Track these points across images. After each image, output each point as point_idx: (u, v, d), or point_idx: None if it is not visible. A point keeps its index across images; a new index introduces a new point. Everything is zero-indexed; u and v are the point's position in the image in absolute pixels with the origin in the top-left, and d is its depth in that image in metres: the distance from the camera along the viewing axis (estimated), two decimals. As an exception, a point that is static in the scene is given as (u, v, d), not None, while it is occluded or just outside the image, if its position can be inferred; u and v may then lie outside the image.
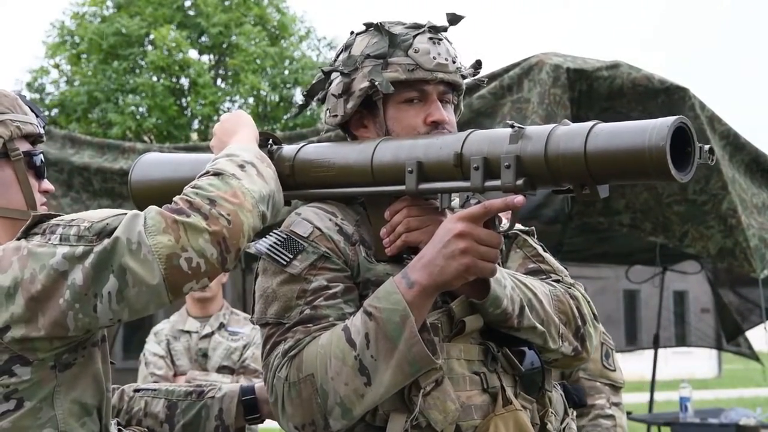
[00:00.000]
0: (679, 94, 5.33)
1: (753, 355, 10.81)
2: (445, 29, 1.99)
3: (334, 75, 2.00)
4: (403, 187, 1.86)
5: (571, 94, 5.14)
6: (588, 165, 1.66)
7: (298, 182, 2.01)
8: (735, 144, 5.78)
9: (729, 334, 10.49)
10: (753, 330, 10.09)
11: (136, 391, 2.24)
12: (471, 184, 1.77)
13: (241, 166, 1.81)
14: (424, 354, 1.74)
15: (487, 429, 1.84)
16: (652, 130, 1.61)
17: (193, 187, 1.76)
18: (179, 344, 4.67)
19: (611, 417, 3.31)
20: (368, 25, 2.01)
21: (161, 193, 2.10)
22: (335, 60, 2.03)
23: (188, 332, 4.69)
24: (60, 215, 1.82)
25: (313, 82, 2.04)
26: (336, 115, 2.00)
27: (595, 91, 5.27)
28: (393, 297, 1.76)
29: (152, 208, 1.73)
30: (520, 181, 1.72)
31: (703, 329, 13.00)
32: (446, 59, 1.96)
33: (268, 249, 1.90)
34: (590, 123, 1.70)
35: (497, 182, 1.74)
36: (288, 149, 2.05)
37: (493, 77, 5.18)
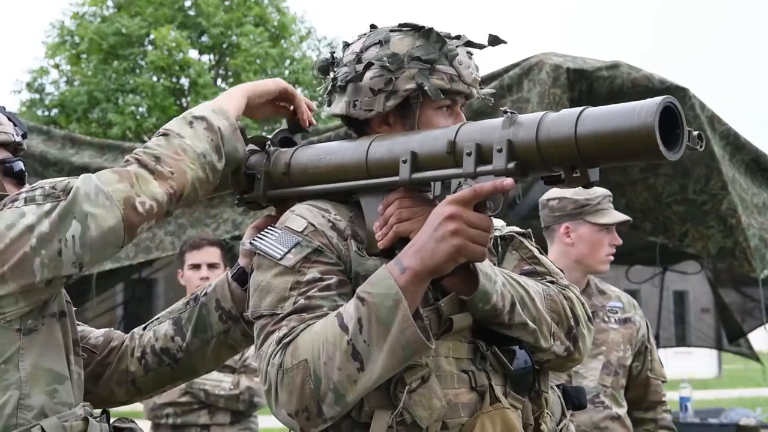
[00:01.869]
0: (679, 94, 5.33)
1: (753, 355, 10.81)
2: (482, 47, 2.01)
3: (373, 68, 1.98)
4: (397, 178, 1.87)
5: (571, 94, 5.15)
6: (579, 148, 1.68)
7: (293, 181, 2.03)
8: (735, 144, 5.78)
9: (731, 335, 10.49)
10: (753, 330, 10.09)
11: (144, 328, 2.30)
12: (463, 170, 1.79)
13: (190, 123, 2.01)
14: (418, 337, 1.73)
15: (473, 427, 1.84)
16: (640, 109, 1.64)
17: (143, 147, 1.99)
18: (179, 344, 4.65)
19: (669, 411, 3.74)
20: (409, 26, 2.01)
21: None
22: (362, 52, 2.01)
23: (188, 332, 4.68)
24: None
25: (351, 74, 2.01)
26: (371, 110, 1.98)
27: (595, 91, 5.27)
28: (385, 282, 1.76)
29: (104, 171, 1.95)
30: (511, 165, 1.73)
31: (703, 329, 13.00)
32: (477, 75, 2.01)
33: (263, 244, 1.92)
34: (580, 108, 1.73)
35: (489, 167, 1.76)
36: (284, 151, 2.08)
37: (492, 77, 5.18)
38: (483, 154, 1.77)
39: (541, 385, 1.97)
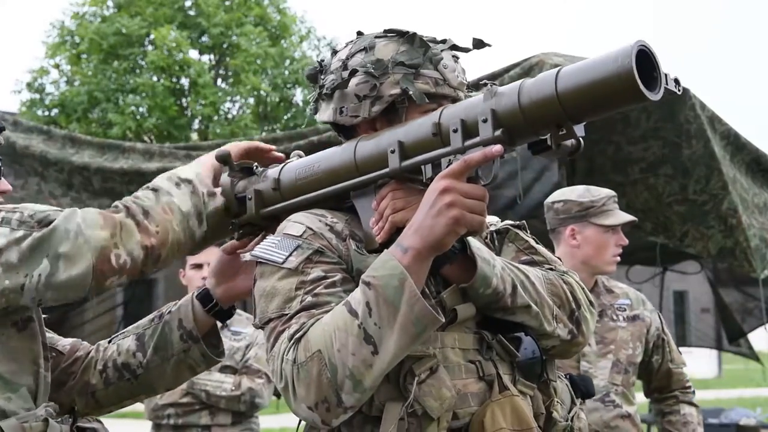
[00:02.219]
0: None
1: (753, 355, 10.81)
2: (467, 50, 2.02)
3: (358, 74, 2.00)
4: (387, 170, 1.88)
5: (572, 93, 5.13)
6: (562, 103, 1.70)
7: (284, 195, 2.05)
8: (736, 144, 5.78)
9: (731, 335, 10.49)
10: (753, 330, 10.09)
11: (109, 341, 2.32)
12: (452, 147, 1.80)
13: (177, 184, 2.05)
14: (427, 311, 1.74)
15: (483, 415, 1.85)
16: (616, 55, 1.66)
17: (132, 197, 2.00)
18: (182, 344, 4.64)
19: (693, 393, 3.73)
20: (393, 32, 2.02)
21: None
22: (348, 59, 2.02)
23: (191, 331, 4.67)
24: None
25: (337, 81, 2.02)
26: (357, 116, 1.99)
27: (595, 90, 5.26)
28: (389, 264, 1.77)
29: (91, 209, 1.94)
30: (498, 132, 1.75)
31: (703, 329, 13.02)
32: (464, 78, 2.01)
33: (264, 252, 1.93)
34: (556, 68, 1.76)
35: (477, 139, 1.77)
36: (273, 169, 2.10)
37: (493, 77, 5.18)
38: (469, 129, 1.78)
39: (548, 374, 1.98)
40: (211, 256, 4.55)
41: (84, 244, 1.86)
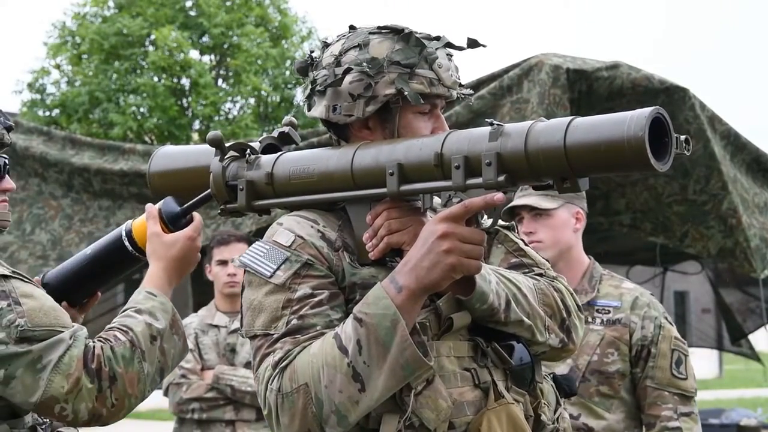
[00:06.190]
0: (679, 94, 5.32)
1: (754, 356, 10.79)
2: (461, 49, 2.00)
3: (352, 73, 1.95)
4: (384, 190, 1.86)
5: (571, 94, 5.14)
6: (568, 159, 1.68)
7: (277, 191, 2.00)
8: (736, 144, 5.77)
9: (733, 336, 10.48)
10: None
11: None
12: (453, 183, 1.78)
13: (153, 338, 2.15)
14: (417, 357, 1.75)
15: (480, 424, 1.85)
16: (630, 121, 1.63)
17: (114, 340, 2.10)
18: (207, 338, 4.64)
19: (678, 429, 3.10)
20: (387, 29, 1.99)
21: (175, 183, 2.21)
22: (341, 55, 1.98)
23: (217, 327, 4.66)
24: (15, 278, 2.08)
25: (330, 78, 1.98)
26: (350, 115, 1.96)
27: (594, 91, 5.26)
28: (382, 302, 1.77)
29: (82, 339, 2.07)
30: (501, 178, 1.73)
31: (704, 330, 12.99)
32: (457, 77, 1.99)
33: (252, 261, 1.91)
34: (569, 117, 1.72)
35: (479, 180, 1.76)
36: (266, 158, 2.03)
37: (492, 78, 5.19)
38: (471, 167, 1.77)
39: (536, 376, 1.98)
40: (237, 252, 4.55)
41: (40, 381, 2.01)
